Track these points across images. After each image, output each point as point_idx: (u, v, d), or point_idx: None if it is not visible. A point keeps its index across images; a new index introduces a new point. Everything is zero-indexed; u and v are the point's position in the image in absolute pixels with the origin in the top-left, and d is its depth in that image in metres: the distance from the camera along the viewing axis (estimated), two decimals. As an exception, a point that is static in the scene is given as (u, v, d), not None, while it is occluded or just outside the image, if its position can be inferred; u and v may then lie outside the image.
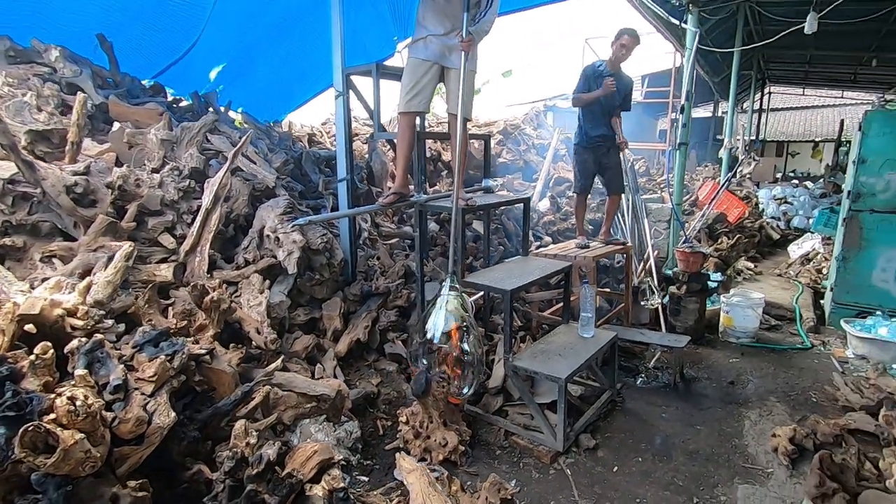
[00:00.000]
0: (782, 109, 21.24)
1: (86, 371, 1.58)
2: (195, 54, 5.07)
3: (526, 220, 3.72)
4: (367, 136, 6.17)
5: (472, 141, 5.43)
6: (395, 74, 3.66)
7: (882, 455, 2.43)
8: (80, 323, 1.79)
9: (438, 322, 2.55)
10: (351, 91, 3.59)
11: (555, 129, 8.53)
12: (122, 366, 1.69)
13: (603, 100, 3.98)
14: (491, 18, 2.86)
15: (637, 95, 11.20)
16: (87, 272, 2.22)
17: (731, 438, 2.90)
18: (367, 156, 5.65)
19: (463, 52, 2.72)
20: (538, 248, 4.85)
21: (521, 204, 3.78)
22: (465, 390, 2.66)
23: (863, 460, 2.39)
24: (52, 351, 1.56)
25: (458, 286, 2.64)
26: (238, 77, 5.67)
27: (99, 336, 1.73)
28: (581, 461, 2.69)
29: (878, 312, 4.13)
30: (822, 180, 11.75)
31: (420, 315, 3.11)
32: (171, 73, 5.17)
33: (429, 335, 2.56)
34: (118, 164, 3.07)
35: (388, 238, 4.63)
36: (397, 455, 2.33)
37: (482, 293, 3.73)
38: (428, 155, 5.48)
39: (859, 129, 4.39)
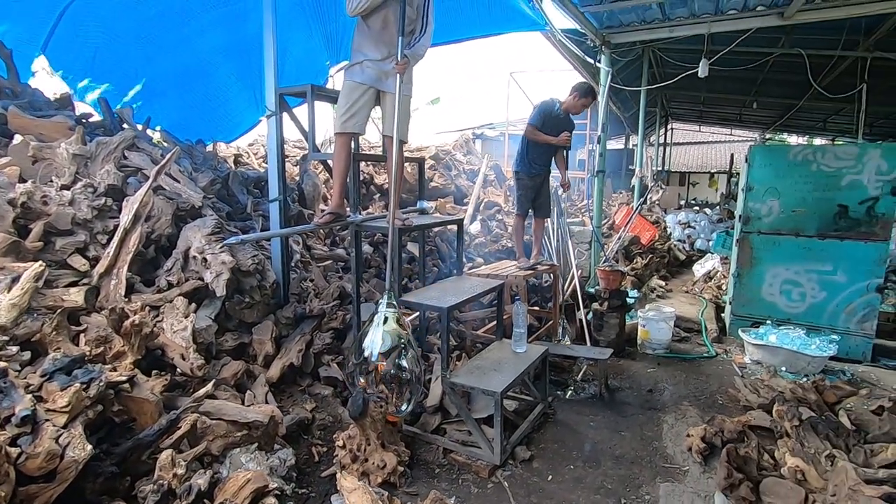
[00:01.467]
0: (683, 144, 23.62)
1: (-14, 403, 1.42)
2: (110, 66, 4.78)
3: (460, 240, 3.83)
4: (299, 157, 6.08)
5: (405, 165, 5.53)
6: (330, 97, 3.70)
7: (777, 446, 2.73)
8: (-23, 350, 1.61)
9: (375, 340, 2.55)
10: (285, 113, 3.56)
11: (484, 155, 8.88)
12: (29, 396, 1.53)
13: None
14: (425, 44, 3.00)
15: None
16: (-17, 296, 1.99)
17: (652, 441, 3.12)
18: (297, 178, 5.56)
19: (398, 76, 2.82)
20: (471, 268, 4.99)
21: (455, 225, 3.89)
22: (403, 408, 2.65)
23: (762, 452, 2.67)
24: (-56, 382, 1.39)
25: (395, 303, 2.66)
26: (157, 98, 5.40)
27: (1, 364, 1.56)
28: (518, 473, 2.76)
29: (768, 322, 4.64)
30: (718, 207, 13.11)
31: (356, 335, 3.07)
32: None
33: (366, 353, 2.55)
34: (22, 180, 2.81)
35: (322, 260, 4.55)
36: (338, 475, 2.27)
37: (418, 314, 3.76)
38: (360, 178, 5.50)
39: (746, 161, 5.01)
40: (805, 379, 3.85)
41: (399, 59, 2.80)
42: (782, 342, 4.23)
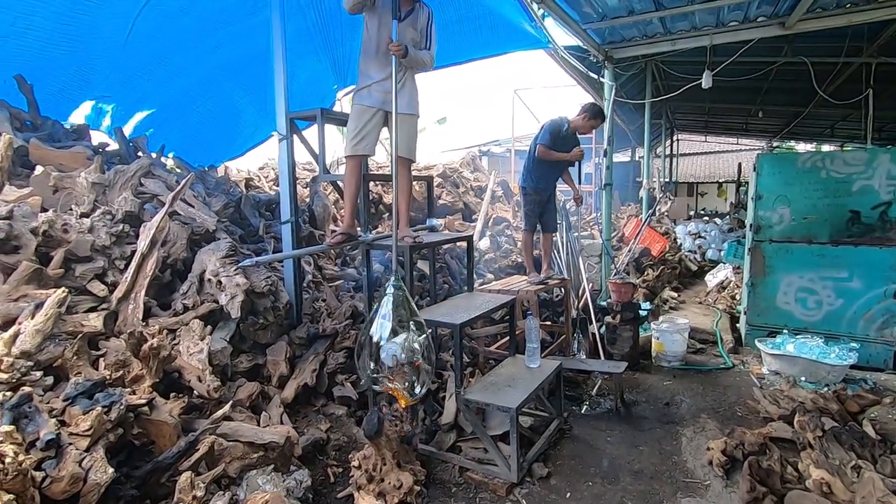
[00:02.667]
0: (690, 154, 23.58)
1: (12, 427, 1.45)
2: (121, 94, 4.93)
3: (470, 256, 3.85)
4: (309, 179, 6.18)
5: (414, 183, 5.60)
6: (339, 120, 3.79)
7: (800, 458, 2.67)
8: (4, 376, 1.64)
9: (385, 325, 2.52)
10: (295, 135, 3.64)
11: (491, 172, 8.95)
12: (53, 420, 1.56)
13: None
14: (428, 56, 3.08)
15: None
16: (6, 323, 2.05)
17: (672, 456, 3.06)
18: (307, 199, 5.64)
19: (398, 92, 2.85)
20: (481, 284, 4.99)
21: (465, 242, 3.92)
22: (417, 390, 2.59)
23: (785, 464, 2.62)
24: (-28, 407, 1.42)
25: (403, 286, 2.61)
26: (168, 122, 5.55)
27: (27, 389, 1.59)
28: (535, 490, 2.73)
29: (785, 331, 4.57)
30: (728, 217, 13.01)
31: (365, 323, 2.95)
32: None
33: (374, 339, 2.51)
34: (43, 209, 2.89)
35: (333, 280, 4.59)
36: (354, 495, 2.26)
37: (430, 331, 3.76)
38: (370, 198, 5.57)
39: (754, 169, 5.00)
40: (826, 388, 3.77)
41: (394, 39, 2.82)
42: (800, 351, 4.16)
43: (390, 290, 2.55)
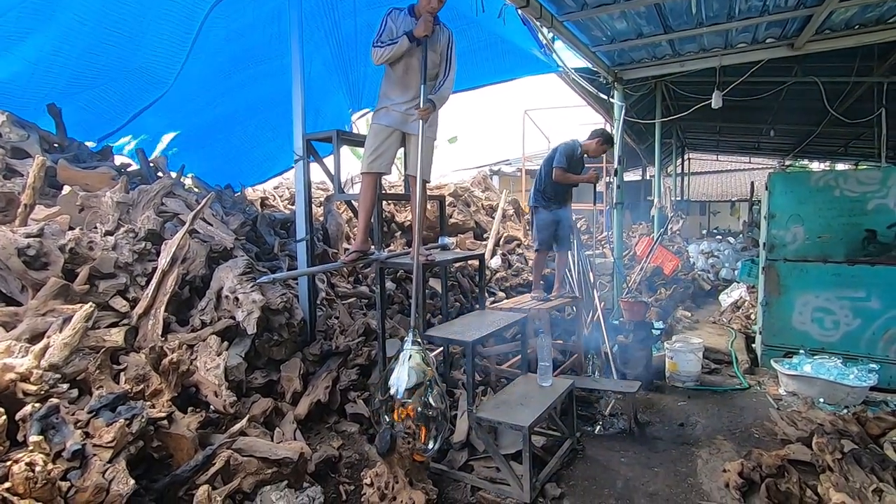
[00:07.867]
0: (702, 173, 23.52)
1: (41, 437, 1.50)
2: (147, 119, 5.12)
3: (482, 274, 3.88)
4: (322, 198, 6.29)
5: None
6: (354, 141, 3.89)
7: (819, 481, 2.62)
8: (32, 388, 1.70)
9: (402, 377, 2.58)
10: (311, 156, 3.74)
11: (502, 191, 9.02)
12: (79, 431, 1.61)
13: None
14: (449, 87, 3.14)
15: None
16: (35, 337, 2.12)
17: (687, 477, 3.02)
18: (321, 218, 5.74)
19: (421, 120, 2.96)
20: (493, 302, 5.01)
21: (476, 260, 3.96)
22: (430, 446, 2.65)
23: (804, 487, 2.57)
24: (4, 418, 1.48)
25: (420, 340, 2.70)
26: (192, 145, 5.74)
27: (54, 401, 1.65)
28: (548, 511, 2.70)
29: (802, 352, 4.50)
30: (741, 235, 12.91)
31: (381, 372, 3.10)
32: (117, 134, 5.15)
33: (392, 391, 2.58)
34: (70, 228, 3.00)
35: (346, 298, 4.64)
36: (368, 513, 2.26)
37: (442, 349, 3.79)
38: (383, 216, 5.65)
39: (766, 188, 5.00)
40: (845, 410, 3.70)
41: (423, 104, 2.94)
42: (818, 372, 4.10)
43: (408, 344, 2.61)
